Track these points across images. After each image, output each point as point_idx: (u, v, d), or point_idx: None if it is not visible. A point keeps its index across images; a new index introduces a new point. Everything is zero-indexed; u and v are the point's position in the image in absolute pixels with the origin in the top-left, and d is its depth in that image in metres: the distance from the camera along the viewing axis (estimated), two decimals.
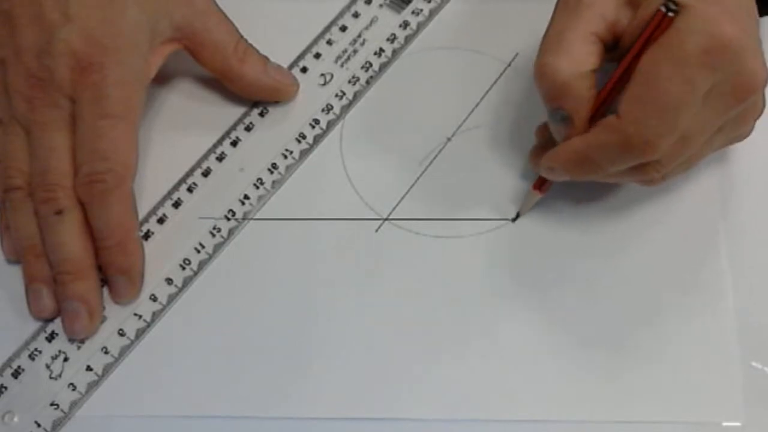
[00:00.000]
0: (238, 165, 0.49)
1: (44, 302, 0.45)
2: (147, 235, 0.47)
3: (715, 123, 0.42)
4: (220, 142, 0.50)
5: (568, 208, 0.48)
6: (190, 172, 0.49)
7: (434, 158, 0.49)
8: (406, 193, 0.48)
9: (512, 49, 0.51)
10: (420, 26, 0.52)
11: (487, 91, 0.50)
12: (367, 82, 0.51)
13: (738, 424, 0.43)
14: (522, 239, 0.47)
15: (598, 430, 0.43)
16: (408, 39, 0.52)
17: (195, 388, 0.44)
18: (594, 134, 0.42)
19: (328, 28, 0.52)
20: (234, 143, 0.50)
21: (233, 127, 0.50)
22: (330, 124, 0.50)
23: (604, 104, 0.42)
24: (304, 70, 0.51)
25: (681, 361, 0.44)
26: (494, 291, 0.46)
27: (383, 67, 0.51)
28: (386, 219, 0.48)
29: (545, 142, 0.45)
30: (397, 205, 0.48)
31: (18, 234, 0.46)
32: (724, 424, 0.43)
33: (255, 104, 0.50)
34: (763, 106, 0.44)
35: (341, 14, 0.53)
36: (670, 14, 0.40)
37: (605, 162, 0.42)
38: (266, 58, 0.50)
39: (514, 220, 0.47)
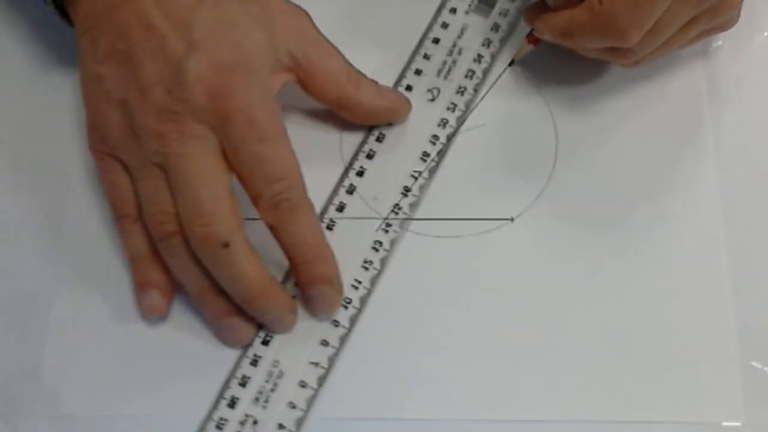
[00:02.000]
0: (372, 194, 0.48)
1: (241, 331, 0.45)
2: None
3: (687, 14, 0.45)
4: (345, 173, 0.49)
5: (568, 209, 0.48)
6: (324, 209, 0.48)
7: (434, 158, 0.49)
8: (407, 193, 0.48)
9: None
10: (511, 27, 0.52)
11: (487, 91, 0.51)
12: (475, 90, 0.50)
13: (738, 424, 0.43)
14: (522, 239, 0.47)
15: (598, 430, 0.44)
16: (502, 41, 0.51)
17: None
18: (576, 12, 0.45)
19: (421, 43, 0.51)
20: (360, 173, 0.49)
21: (355, 157, 0.49)
22: (449, 138, 0.49)
23: None
24: (408, 88, 0.50)
25: (681, 362, 0.45)
26: (494, 291, 0.46)
27: (485, 73, 0.51)
28: (386, 219, 0.48)
29: (540, 2, 0.47)
30: (397, 205, 0.48)
31: (188, 281, 0.44)
32: (724, 424, 0.43)
33: (370, 129, 0.49)
34: None
35: (430, 27, 0.52)
36: None
37: (581, 39, 0.46)
38: (375, 82, 0.48)
39: (509, 65, 0.50)
